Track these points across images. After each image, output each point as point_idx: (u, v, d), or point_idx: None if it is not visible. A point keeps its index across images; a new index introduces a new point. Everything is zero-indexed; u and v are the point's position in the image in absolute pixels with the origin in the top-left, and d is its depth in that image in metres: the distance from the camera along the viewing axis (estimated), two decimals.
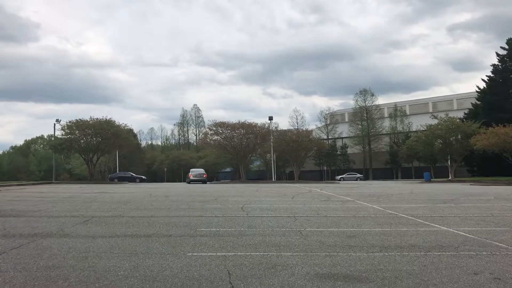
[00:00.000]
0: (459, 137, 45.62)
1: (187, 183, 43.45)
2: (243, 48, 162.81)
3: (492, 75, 53.75)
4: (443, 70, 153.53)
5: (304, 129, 68.51)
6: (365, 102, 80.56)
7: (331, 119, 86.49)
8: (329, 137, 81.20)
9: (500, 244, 6.87)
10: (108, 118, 47.07)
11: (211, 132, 55.19)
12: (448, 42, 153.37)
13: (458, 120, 47.67)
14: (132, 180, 51.40)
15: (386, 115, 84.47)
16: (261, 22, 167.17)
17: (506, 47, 53.16)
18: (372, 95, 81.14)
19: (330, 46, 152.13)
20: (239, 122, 52.57)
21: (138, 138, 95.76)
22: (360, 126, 79.43)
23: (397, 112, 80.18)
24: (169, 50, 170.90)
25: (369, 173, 76.82)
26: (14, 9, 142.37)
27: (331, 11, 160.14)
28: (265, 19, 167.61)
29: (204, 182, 42.90)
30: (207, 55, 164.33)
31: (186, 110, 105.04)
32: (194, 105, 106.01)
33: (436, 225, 9.04)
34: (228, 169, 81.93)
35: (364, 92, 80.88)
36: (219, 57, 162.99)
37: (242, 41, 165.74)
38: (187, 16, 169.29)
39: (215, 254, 6.00)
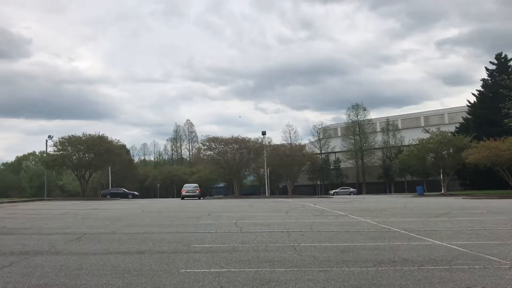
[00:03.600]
0: (451, 151, 45.96)
1: (180, 199, 43.00)
2: (235, 64, 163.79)
3: (482, 90, 54.52)
4: (433, 84, 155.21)
5: (297, 143, 68.61)
6: (357, 116, 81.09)
7: (324, 133, 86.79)
8: (322, 152, 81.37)
9: (493, 258, 6.90)
10: (100, 134, 47.00)
11: (204, 147, 55.17)
12: (437, 57, 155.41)
13: (449, 134, 48.10)
14: (124, 196, 51.03)
15: (378, 129, 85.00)
16: (251, 38, 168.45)
17: (495, 62, 54.06)
18: (364, 109, 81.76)
19: (321, 61, 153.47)
20: (232, 137, 52.63)
21: (131, 153, 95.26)
22: (352, 141, 79.78)
23: (389, 126, 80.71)
24: (161, 65, 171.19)
25: (362, 187, 76.91)
26: (5, 24, 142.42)
27: (321, 27, 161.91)
28: (255, 35, 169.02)
29: (198, 197, 42.58)
30: (199, 71, 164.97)
31: (179, 126, 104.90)
32: (187, 120, 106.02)
33: (429, 239, 9.07)
34: (221, 185, 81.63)
35: (356, 107, 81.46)
36: (211, 72, 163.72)
37: (233, 56, 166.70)
38: (178, 32, 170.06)
39: (208, 270, 5.97)
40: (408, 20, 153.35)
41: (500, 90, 47.07)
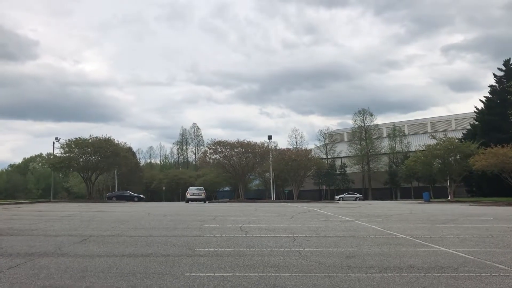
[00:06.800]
0: (458, 157, 45.65)
1: (185, 202, 42.28)
2: (239, 68, 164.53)
3: (489, 96, 54.16)
4: (440, 90, 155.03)
5: (303, 148, 68.65)
6: (363, 122, 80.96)
7: (330, 138, 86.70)
8: (328, 157, 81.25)
9: (500, 266, 6.84)
10: (107, 137, 47.12)
11: (210, 151, 55.21)
12: (443, 63, 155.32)
13: (456, 140, 47.79)
14: (130, 199, 51.09)
15: (385, 135, 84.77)
16: (256, 42, 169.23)
17: (503, 68, 53.72)
18: (371, 115, 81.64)
19: (326, 66, 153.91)
20: (238, 141, 52.67)
21: (137, 156, 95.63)
22: (359, 146, 79.61)
23: (395, 132, 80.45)
24: (166, 69, 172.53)
25: (368, 193, 76.63)
26: (12, 27, 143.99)
27: (325, 32, 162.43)
28: (259, 39, 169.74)
29: (203, 201, 41.80)
30: (203, 75, 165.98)
31: (185, 129, 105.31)
32: (194, 124, 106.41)
33: (435, 246, 9.01)
34: (226, 188, 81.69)
35: (363, 112, 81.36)
36: (215, 76, 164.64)
37: (238, 61, 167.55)
38: (182, 36, 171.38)
39: (213, 274, 5.96)
40: (413, 25, 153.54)
41: (508, 96, 46.84)
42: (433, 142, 47.71)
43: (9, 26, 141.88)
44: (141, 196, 55.77)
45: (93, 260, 7.02)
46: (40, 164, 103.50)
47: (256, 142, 53.76)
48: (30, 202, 35.96)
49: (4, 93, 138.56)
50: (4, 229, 11.84)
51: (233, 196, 69.68)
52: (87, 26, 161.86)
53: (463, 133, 56.96)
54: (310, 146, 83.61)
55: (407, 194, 71.10)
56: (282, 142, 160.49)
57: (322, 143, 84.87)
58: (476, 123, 54.82)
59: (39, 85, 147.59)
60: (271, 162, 52.24)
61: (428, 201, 44.86)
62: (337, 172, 79.34)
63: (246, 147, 51.68)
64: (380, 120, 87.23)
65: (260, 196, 69.06)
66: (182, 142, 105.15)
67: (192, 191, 43.28)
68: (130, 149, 61.57)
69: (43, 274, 5.85)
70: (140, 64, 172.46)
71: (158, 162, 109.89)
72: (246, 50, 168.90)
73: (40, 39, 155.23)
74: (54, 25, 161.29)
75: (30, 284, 5.29)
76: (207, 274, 5.97)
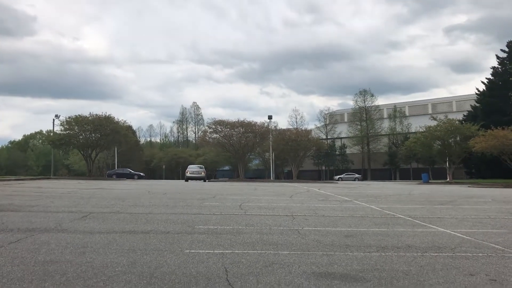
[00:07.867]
0: (458, 139, 45.72)
1: (185, 180, 42.23)
2: (240, 47, 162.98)
3: (492, 78, 53.83)
4: (441, 71, 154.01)
5: (303, 128, 68.59)
6: (364, 102, 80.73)
7: (330, 119, 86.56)
8: (328, 137, 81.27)
9: (497, 246, 6.90)
10: (107, 115, 47.02)
11: (210, 130, 55.20)
12: (445, 44, 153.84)
13: (457, 122, 47.76)
14: (130, 176, 51.35)
15: (385, 116, 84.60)
16: (257, 21, 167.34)
17: (506, 49, 53.22)
18: (372, 95, 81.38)
19: (327, 46, 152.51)
20: (238, 120, 52.60)
21: (137, 135, 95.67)
22: (359, 127, 79.54)
23: (396, 113, 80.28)
24: (165, 47, 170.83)
25: (368, 173, 76.91)
26: (9, 1, 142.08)
27: (327, 11, 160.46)
28: (260, 18, 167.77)
29: (203, 179, 41.76)
30: (203, 53, 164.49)
31: (185, 108, 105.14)
32: (194, 102, 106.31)
33: (433, 226, 9.07)
34: (226, 168, 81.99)
35: (364, 93, 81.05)
36: (216, 55, 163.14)
37: (238, 39, 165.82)
38: (182, 13, 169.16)
39: (212, 251, 6.01)
40: (415, 5, 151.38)
41: (511, 78, 46.55)
42: (433, 123, 47.68)
43: (6, 1, 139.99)
44: (141, 174, 56.06)
45: (93, 236, 7.07)
46: (40, 141, 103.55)
47: (256, 122, 53.78)
48: (31, 179, 36.09)
49: (2, 69, 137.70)
50: (5, 205, 11.90)
51: (233, 175, 69.91)
52: (86, 1, 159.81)
53: (464, 114, 56.84)
54: (310, 126, 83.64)
55: (406, 175, 71.39)
56: (282, 122, 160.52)
57: (322, 123, 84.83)
58: (477, 105, 54.65)
59: (37, 62, 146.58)
60: (271, 142, 52.28)
61: (427, 182, 45.07)
62: (337, 152, 79.50)
63: (246, 126, 51.63)
64: (380, 101, 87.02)
65: (259, 175, 69.38)
66: (182, 121, 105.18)
67: (192, 169, 43.18)
68: (130, 127, 61.48)
69: (43, 250, 5.90)
70: (139, 41, 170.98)
71: (158, 140, 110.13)
72: (246, 28, 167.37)
73: (38, 14, 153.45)
74: (52, 0, 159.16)
75: (31, 259, 5.34)
76: (206, 251, 6.02)
